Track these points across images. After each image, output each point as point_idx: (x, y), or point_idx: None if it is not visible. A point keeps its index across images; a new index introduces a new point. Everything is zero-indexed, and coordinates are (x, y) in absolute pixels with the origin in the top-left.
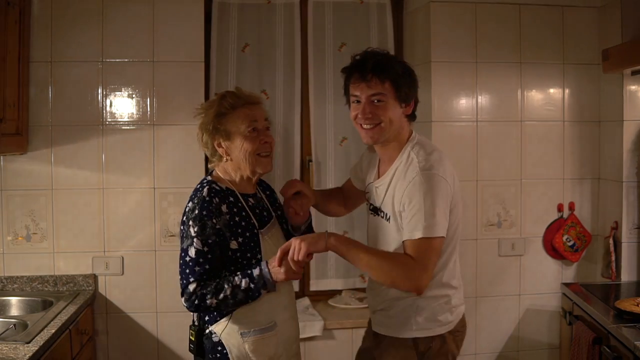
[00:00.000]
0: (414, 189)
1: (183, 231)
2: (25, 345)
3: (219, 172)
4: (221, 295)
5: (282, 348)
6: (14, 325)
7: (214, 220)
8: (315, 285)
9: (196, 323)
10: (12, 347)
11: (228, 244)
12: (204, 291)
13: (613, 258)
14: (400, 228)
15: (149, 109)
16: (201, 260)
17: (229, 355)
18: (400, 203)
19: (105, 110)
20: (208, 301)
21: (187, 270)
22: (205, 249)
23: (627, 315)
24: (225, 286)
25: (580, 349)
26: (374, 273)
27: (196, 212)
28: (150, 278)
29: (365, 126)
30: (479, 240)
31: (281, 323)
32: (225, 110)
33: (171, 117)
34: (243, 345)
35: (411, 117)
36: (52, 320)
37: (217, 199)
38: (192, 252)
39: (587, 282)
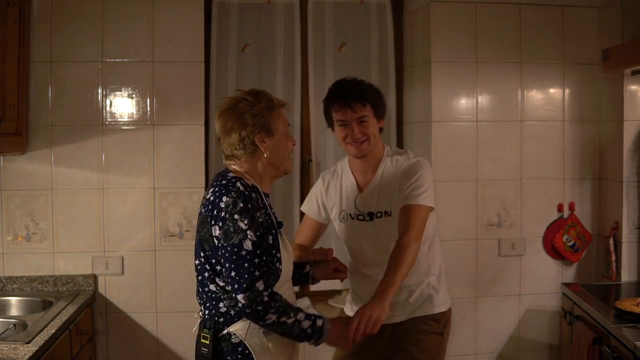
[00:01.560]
0: (408, 169)
1: (227, 228)
2: (25, 345)
3: (239, 169)
4: (283, 319)
5: (297, 346)
6: (14, 325)
7: (258, 214)
8: (315, 285)
9: (209, 326)
10: (12, 347)
11: (268, 238)
12: (273, 303)
13: (613, 258)
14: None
15: (149, 109)
16: (259, 252)
17: (252, 355)
18: (398, 184)
19: (105, 110)
20: (269, 315)
21: (247, 265)
22: (258, 241)
23: (628, 316)
24: (291, 314)
25: (581, 349)
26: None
27: (241, 205)
28: (150, 278)
29: (355, 143)
30: (479, 240)
31: None
32: (274, 106)
33: (171, 117)
34: (267, 344)
35: (381, 129)
36: (52, 320)
37: (253, 194)
38: (247, 245)
39: (587, 282)
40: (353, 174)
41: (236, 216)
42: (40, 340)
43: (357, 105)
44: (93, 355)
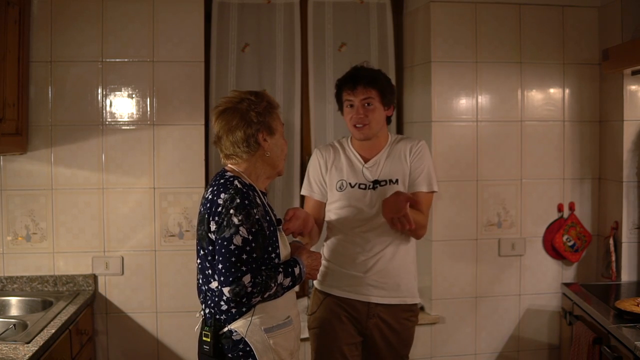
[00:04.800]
0: (422, 153)
1: (220, 221)
2: (25, 345)
3: (236, 168)
4: (267, 294)
5: (297, 342)
6: (14, 325)
7: (255, 211)
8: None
9: (210, 324)
10: (12, 347)
11: (266, 233)
12: (255, 289)
13: (613, 258)
14: (405, 182)
15: (149, 109)
16: (248, 248)
17: (254, 352)
18: (409, 161)
19: (105, 110)
20: (253, 300)
21: (235, 260)
22: (250, 237)
23: (627, 315)
24: (272, 284)
25: (580, 349)
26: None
27: (237, 201)
28: (150, 278)
29: (358, 125)
30: (479, 240)
31: (294, 317)
32: (275, 106)
33: (171, 117)
34: (268, 340)
35: (388, 119)
36: (52, 320)
37: (250, 192)
38: (237, 240)
39: (587, 282)
40: (357, 151)
41: (232, 211)
42: (40, 340)
43: (364, 88)
44: (93, 355)
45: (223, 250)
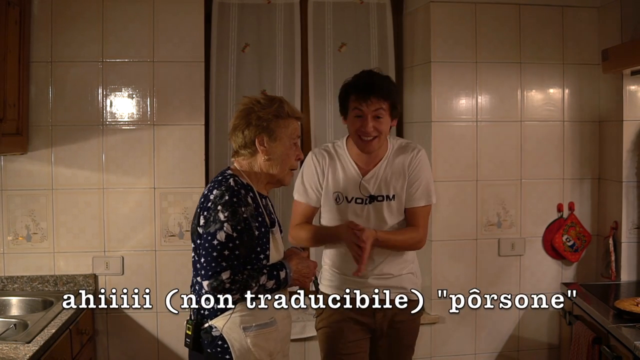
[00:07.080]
0: (420, 166)
1: (208, 216)
2: (26, 345)
3: (239, 167)
4: (246, 293)
5: (280, 344)
6: (14, 325)
7: (243, 209)
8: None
9: (193, 318)
10: (12, 347)
11: (254, 233)
12: (233, 286)
13: (613, 258)
14: (402, 198)
15: (149, 109)
16: (231, 245)
17: (231, 349)
18: (407, 175)
19: (105, 110)
20: (230, 296)
21: (216, 255)
22: (235, 234)
23: (627, 315)
24: (253, 284)
25: (580, 349)
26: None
27: (226, 198)
28: (150, 278)
29: (366, 138)
30: (479, 240)
31: (280, 320)
32: (284, 115)
33: (171, 117)
34: (245, 339)
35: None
36: (52, 320)
37: (243, 191)
38: (221, 236)
39: (586, 282)
40: (353, 160)
41: (219, 207)
42: (40, 340)
43: (377, 100)
44: (93, 355)
45: (206, 245)
